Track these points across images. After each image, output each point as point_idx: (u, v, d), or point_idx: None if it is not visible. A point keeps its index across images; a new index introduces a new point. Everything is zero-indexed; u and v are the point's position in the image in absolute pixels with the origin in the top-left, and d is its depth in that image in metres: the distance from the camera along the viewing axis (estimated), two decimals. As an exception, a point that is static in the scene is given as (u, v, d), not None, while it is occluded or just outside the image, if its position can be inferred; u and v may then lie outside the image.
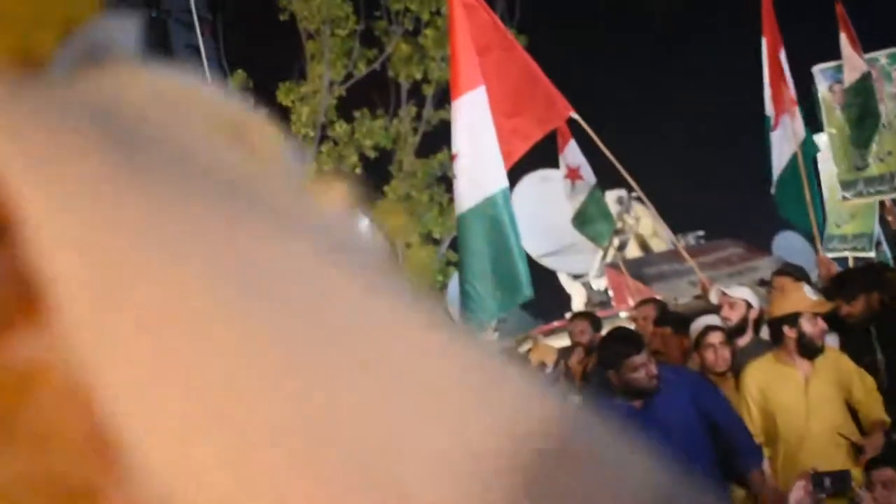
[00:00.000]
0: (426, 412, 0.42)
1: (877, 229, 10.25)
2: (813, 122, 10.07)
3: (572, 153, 10.81)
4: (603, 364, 5.87)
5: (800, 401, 5.76)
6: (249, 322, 0.41)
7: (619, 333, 6.02)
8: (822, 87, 10.18)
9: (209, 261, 0.42)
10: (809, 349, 5.82)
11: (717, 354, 6.45)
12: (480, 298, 6.93)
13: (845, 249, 10.29)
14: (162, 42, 7.17)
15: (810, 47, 10.32)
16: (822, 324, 5.84)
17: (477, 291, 6.91)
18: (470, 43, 7.21)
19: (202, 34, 7.55)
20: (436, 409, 0.42)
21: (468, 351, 0.44)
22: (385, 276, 0.47)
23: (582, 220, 10.75)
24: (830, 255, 9.91)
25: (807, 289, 6.19)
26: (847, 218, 10.30)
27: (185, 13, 7.43)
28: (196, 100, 0.51)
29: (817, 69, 10.23)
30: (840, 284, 6.99)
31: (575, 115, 7.66)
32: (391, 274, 0.48)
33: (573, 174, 10.79)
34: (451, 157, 7.17)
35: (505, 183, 7.18)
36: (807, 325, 5.80)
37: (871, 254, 10.08)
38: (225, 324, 0.41)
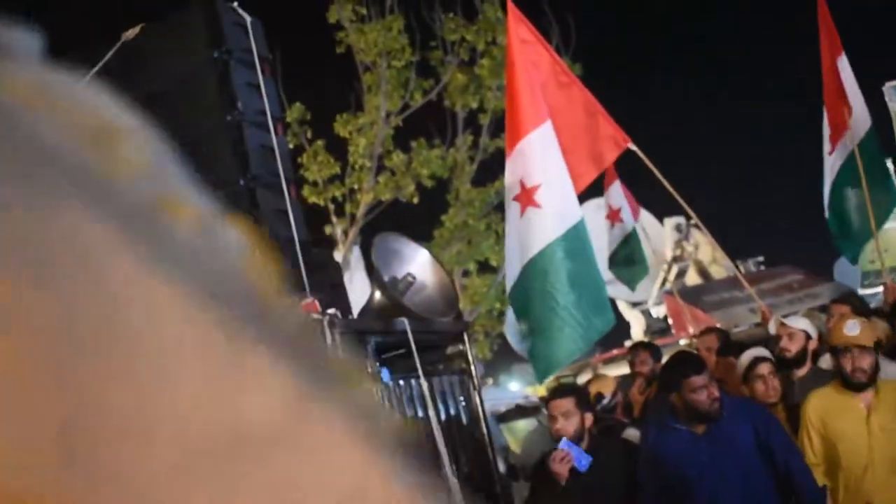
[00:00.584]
0: (149, 392, 0.45)
1: None
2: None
3: (615, 194, 10.82)
4: (665, 387, 5.89)
5: (861, 431, 5.71)
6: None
7: (680, 357, 6.05)
8: (893, 105, 10.05)
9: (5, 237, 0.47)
10: (853, 382, 5.77)
11: (768, 385, 6.47)
12: (573, 327, 6.93)
13: (882, 283, 10.16)
14: (223, 80, 7.34)
15: (881, 64, 10.19)
16: (872, 358, 5.75)
17: (574, 319, 6.90)
18: (531, 79, 7.26)
19: (262, 72, 7.66)
20: (155, 391, 0.45)
21: (228, 344, 0.47)
22: (221, 287, 0.50)
23: (616, 263, 10.75)
24: (868, 290, 9.81)
25: (861, 319, 6.12)
26: (879, 253, 10.15)
27: (246, 52, 7.54)
28: (69, 104, 0.56)
29: (888, 86, 10.09)
30: None
31: (633, 147, 7.65)
32: (232, 285, 0.52)
33: (614, 216, 10.78)
34: (528, 189, 7.12)
35: (581, 213, 7.23)
36: (856, 358, 5.74)
37: None
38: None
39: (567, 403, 5.92)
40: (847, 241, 9.30)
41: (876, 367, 5.79)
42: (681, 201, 8.06)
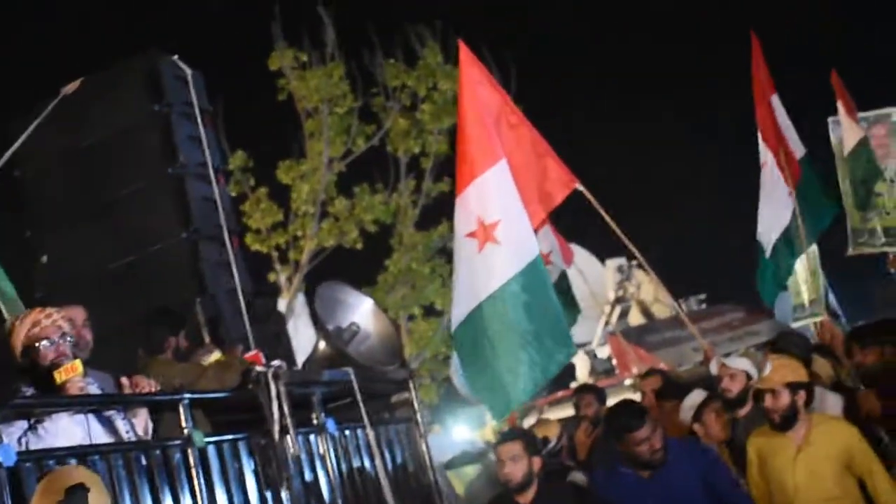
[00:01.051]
0: None
1: (826, 293, 10.18)
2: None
3: (545, 238, 10.84)
4: (609, 435, 5.94)
5: (788, 469, 5.79)
6: None
7: (623, 408, 6.09)
8: (835, 138, 10.25)
9: None
10: (774, 423, 5.88)
11: (720, 424, 6.58)
12: (534, 360, 6.92)
13: (806, 317, 10.28)
14: (165, 133, 7.37)
15: (825, 99, 10.35)
16: (785, 399, 5.84)
17: (535, 351, 6.89)
18: (484, 118, 7.31)
19: (203, 125, 7.68)
20: None
21: None
22: None
23: None
24: (796, 324, 9.98)
25: (777, 359, 6.20)
26: (801, 287, 10.29)
27: (187, 105, 7.57)
28: None
29: (832, 120, 10.29)
30: (859, 337, 7.16)
31: (580, 187, 7.72)
32: None
33: (544, 260, 10.81)
34: (486, 226, 7.11)
35: (538, 248, 7.27)
36: (767, 400, 5.85)
37: (823, 316, 10.02)
38: None
39: (515, 447, 5.96)
40: (768, 282, 9.38)
41: (792, 407, 5.84)
42: (627, 242, 8.09)
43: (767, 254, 9.19)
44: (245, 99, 19.49)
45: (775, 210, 9.14)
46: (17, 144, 6.66)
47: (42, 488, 3.79)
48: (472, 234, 7.19)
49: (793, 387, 5.85)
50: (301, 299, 18.21)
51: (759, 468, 5.95)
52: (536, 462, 5.98)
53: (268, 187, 19.16)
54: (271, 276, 18.81)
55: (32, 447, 4.41)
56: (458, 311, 7.20)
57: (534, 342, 6.91)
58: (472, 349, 7.14)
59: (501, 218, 7.13)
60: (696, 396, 6.75)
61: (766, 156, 9.16)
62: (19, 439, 4.44)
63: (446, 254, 19.77)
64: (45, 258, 7.52)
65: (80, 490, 3.72)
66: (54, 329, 4.77)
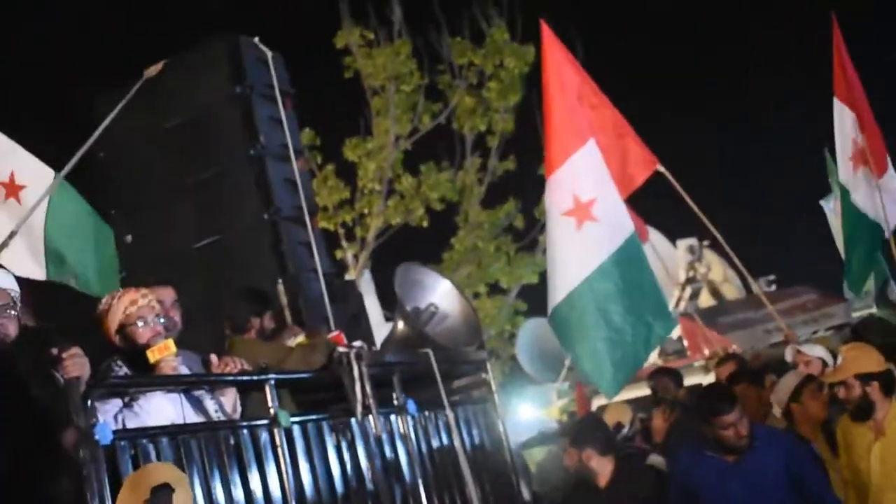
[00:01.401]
0: None
1: (886, 283, 9.99)
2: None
3: None
4: (696, 417, 5.95)
5: (864, 458, 5.76)
6: None
7: (714, 390, 6.14)
8: None
9: None
10: (849, 413, 5.83)
11: (819, 404, 6.50)
12: (637, 335, 6.99)
13: (862, 308, 10.12)
14: (246, 115, 7.43)
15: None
16: (856, 391, 5.77)
17: (637, 327, 6.96)
18: (570, 99, 7.33)
19: (284, 107, 7.75)
20: None
21: None
22: None
23: None
24: (858, 313, 9.82)
25: (851, 350, 6.12)
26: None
27: (267, 87, 7.65)
28: None
29: None
30: None
31: (661, 168, 7.71)
32: None
33: None
34: (583, 204, 7.14)
35: (633, 226, 7.31)
36: (842, 392, 5.80)
37: (874, 309, 9.85)
38: None
39: (564, 443, 6.15)
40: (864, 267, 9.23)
41: (865, 398, 5.73)
42: (707, 222, 8.05)
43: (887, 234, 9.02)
44: (312, 77, 19.52)
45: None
46: (102, 126, 6.72)
47: (129, 484, 3.87)
48: (568, 213, 7.23)
49: (864, 378, 5.78)
50: (367, 276, 18.30)
51: (845, 449, 5.93)
52: (588, 454, 6.13)
53: (334, 165, 19.25)
54: (338, 254, 18.91)
55: (128, 425, 4.51)
56: (557, 291, 7.24)
57: (635, 317, 6.97)
58: (577, 328, 7.20)
59: (596, 196, 7.18)
60: (792, 378, 6.67)
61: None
62: (115, 416, 4.54)
63: (511, 232, 19.79)
64: (129, 238, 7.64)
65: (165, 490, 3.79)
66: (149, 309, 4.84)
